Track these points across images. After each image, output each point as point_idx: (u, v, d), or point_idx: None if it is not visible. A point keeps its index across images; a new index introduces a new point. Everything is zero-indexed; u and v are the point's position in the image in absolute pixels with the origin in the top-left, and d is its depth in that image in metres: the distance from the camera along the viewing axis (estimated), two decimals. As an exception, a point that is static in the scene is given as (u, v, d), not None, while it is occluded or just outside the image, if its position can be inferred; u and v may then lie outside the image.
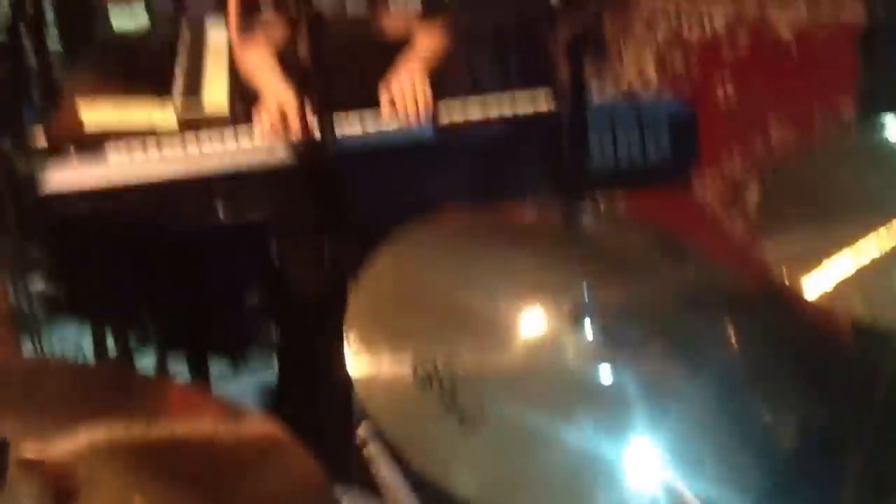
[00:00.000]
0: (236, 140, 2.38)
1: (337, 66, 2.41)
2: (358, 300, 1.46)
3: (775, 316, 1.56)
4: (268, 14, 1.94)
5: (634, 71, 3.25)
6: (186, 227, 2.17)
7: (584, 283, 1.43)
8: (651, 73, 3.22)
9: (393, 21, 2.10)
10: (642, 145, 2.39)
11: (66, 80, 3.04)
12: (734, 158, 3.10)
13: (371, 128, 2.43)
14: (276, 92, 2.37)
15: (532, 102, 2.50)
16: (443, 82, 2.65)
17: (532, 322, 1.46)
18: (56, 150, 2.34)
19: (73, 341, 2.68)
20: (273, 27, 1.95)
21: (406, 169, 2.28)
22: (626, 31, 3.22)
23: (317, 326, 1.74)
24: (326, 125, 2.04)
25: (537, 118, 2.45)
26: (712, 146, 2.85)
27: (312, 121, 2.07)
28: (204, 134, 2.44)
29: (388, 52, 2.45)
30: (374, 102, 2.46)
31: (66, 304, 2.48)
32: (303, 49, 1.94)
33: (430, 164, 2.30)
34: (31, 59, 3.08)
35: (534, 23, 2.93)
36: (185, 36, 3.19)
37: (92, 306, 2.51)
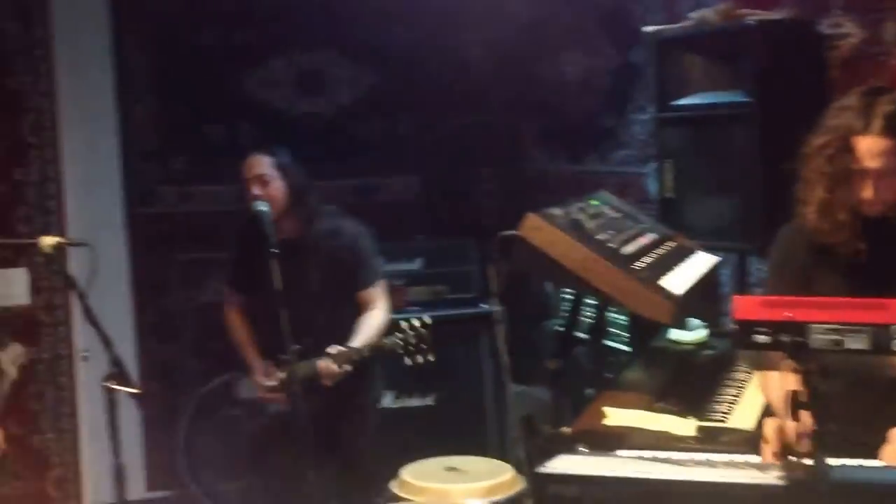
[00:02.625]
0: (742, 457, 2.43)
1: (842, 401, 2.42)
2: None
3: None
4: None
5: None
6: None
7: None
8: None
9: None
10: None
11: (621, 377, 3.32)
12: None
13: (868, 461, 2.34)
14: (780, 417, 2.41)
15: None
16: None
17: None
18: (575, 440, 2.58)
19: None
20: (786, 363, 2.06)
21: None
22: None
23: None
24: (819, 456, 2.08)
25: None
26: None
27: (808, 449, 2.10)
28: (714, 446, 2.53)
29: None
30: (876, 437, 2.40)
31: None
32: (803, 385, 2.01)
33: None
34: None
35: None
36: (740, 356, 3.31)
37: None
